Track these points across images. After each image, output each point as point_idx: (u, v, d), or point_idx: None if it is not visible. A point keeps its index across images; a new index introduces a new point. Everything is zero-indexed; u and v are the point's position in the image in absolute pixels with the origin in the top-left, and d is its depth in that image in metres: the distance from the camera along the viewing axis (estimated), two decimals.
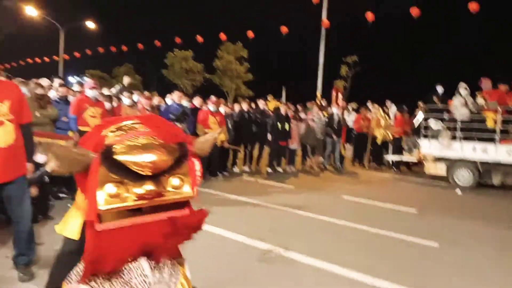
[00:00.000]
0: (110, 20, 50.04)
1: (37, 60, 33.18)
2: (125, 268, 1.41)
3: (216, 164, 9.21)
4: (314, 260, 4.31)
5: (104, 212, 1.36)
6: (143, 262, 1.44)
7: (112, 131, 1.55)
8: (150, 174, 1.37)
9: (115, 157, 1.37)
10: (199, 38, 22.33)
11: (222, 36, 22.57)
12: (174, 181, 1.44)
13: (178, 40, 24.33)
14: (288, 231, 5.40)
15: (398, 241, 5.20)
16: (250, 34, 20.35)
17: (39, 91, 5.95)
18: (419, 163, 11.63)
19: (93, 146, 1.48)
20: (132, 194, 1.38)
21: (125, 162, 1.36)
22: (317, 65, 20.71)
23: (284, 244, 4.74)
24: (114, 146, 1.40)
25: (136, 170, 1.36)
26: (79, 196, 1.93)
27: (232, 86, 31.21)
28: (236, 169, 10.20)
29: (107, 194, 1.36)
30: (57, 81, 7.60)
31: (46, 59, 34.03)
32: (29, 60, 34.36)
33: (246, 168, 10.52)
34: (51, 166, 1.25)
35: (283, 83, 18.30)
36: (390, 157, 11.87)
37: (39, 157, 4.14)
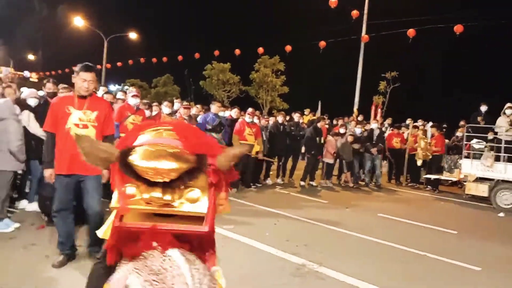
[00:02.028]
0: (152, 32, 51.77)
1: None
2: (168, 276, 1.39)
3: (250, 175, 9.22)
4: (348, 278, 4.20)
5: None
6: (185, 270, 1.41)
7: (149, 133, 1.58)
8: (160, 181, 1.36)
9: (129, 159, 1.37)
10: (237, 51, 22.67)
11: (260, 50, 22.83)
12: (191, 194, 1.43)
13: (216, 52, 24.81)
14: (322, 246, 5.29)
15: (438, 263, 4.99)
16: (288, 48, 20.46)
17: None
18: (458, 183, 11.22)
19: (126, 145, 1.51)
20: (142, 199, 1.40)
21: (135, 166, 1.35)
22: (355, 80, 20.52)
23: (318, 259, 4.65)
24: (135, 148, 1.41)
25: (146, 176, 1.36)
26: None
27: (268, 99, 31.30)
28: (269, 181, 10.17)
29: (125, 194, 1.40)
30: (102, 89, 7.86)
31: None
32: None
33: (279, 180, 10.47)
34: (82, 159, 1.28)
35: (319, 97, 18.12)
36: (429, 176, 11.49)
37: None
